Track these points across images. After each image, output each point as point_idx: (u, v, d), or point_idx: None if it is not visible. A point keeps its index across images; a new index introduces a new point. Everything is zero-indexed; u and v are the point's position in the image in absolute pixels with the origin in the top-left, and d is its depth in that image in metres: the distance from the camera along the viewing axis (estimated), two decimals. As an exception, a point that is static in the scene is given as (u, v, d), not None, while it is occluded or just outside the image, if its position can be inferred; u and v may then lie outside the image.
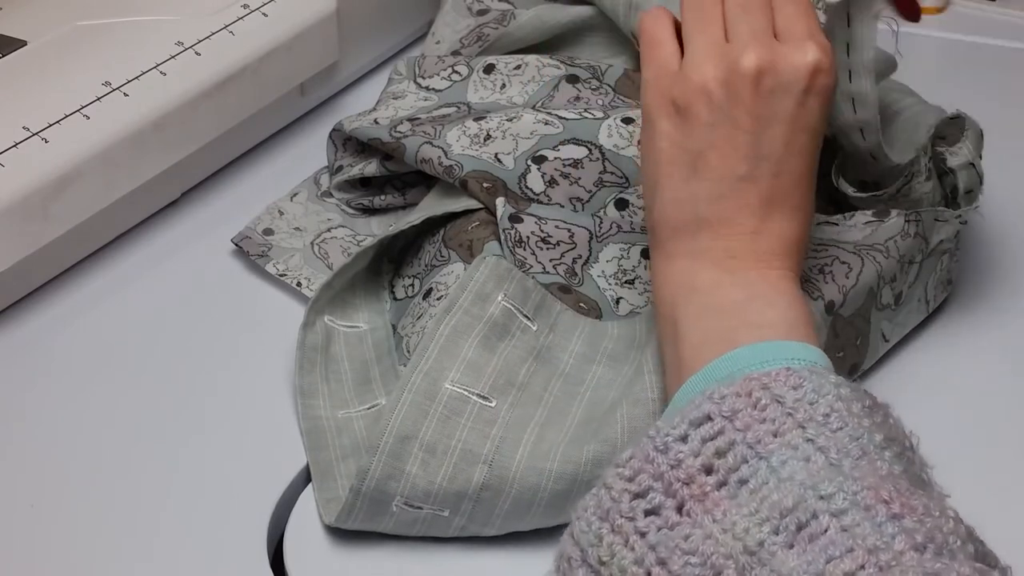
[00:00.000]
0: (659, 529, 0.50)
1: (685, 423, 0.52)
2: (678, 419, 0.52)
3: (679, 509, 0.50)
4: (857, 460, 0.49)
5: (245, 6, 0.84)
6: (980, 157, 0.73)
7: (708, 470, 0.50)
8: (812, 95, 0.61)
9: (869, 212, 0.71)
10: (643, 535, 0.50)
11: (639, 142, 0.65)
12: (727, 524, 0.48)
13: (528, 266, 0.70)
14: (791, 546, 0.47)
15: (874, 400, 0.53)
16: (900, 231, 0.70)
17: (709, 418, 0.52)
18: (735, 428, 0.51)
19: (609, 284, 0.70)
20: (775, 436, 0.51)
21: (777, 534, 0.47)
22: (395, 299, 0.75)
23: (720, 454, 0.51)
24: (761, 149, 0.61)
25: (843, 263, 0.69)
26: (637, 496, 0.51)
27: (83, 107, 0.76)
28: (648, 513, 0.50)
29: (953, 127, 0.74)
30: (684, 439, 0.51)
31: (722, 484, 0.50)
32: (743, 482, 0.50)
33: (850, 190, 0.72)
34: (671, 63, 0.63)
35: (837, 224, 0.71)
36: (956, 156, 0.73)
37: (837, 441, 0.50)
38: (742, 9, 0.62)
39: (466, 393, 0.64)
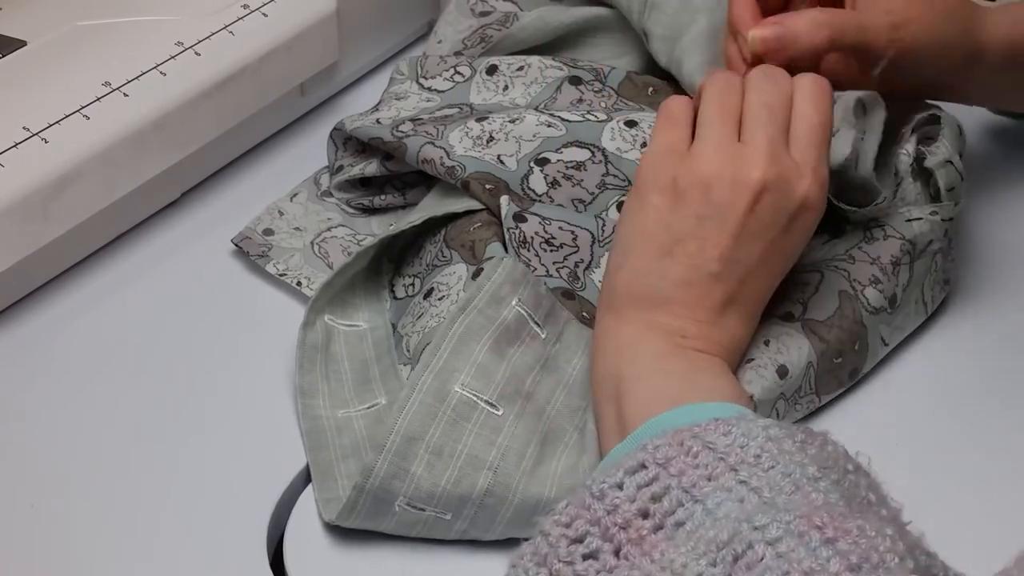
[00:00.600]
0: (597, 573, 0.50)
1: (620, 472, 0.52)
2: (613, 469, 0.53)
3: (616, 553, 0.51)
4: (791, 495, 0.50)
5: (245, 6, 0.84)
6: (960, 155, 0.74)
7: (644, 514, 0.51)
8: (797, 224, 0.64)
9: (824, 236, 0.72)
10: None
11: (625, 203, 0.67)
12: (665, 563, 0.49)
13: (532, 268, 0.70)
14: None
15: (808, 432, 0.54)
16: (861, 238, 0.72)
17: (644, 466, 0.52)
18: (669, 474, 0.52)
19: (610, 288, 0.70)
20: (709, 480, 0.51)
21: (715, 566, 0.47)
22: (395, 298, 0.75)
23: (656, 499, 0.51)
24: (738, 255, 0.63)
25: (797, 284, 0.70)
26: (575, 541, 0.51)
27: (83, 107, 0.75)
28: (586, 557, 0.51)
29: (931, 125, 0.74)
30: (620, 486, 0.52)
31: (659, 528, 0.51)
32: (679, 524, 0.50)
33: (849, 209, 0.72)
34: (682, 144, 0.65)
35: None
36: (934, 155, 0.73)
37: (770, 480, 0.51)
38: (765, 111, 0.64)
39: (475, 399, 0.64)
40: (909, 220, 0.72)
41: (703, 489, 0.51)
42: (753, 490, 0.51)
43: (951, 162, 0.73)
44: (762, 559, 0.47)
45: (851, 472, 0.53)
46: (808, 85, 0.65)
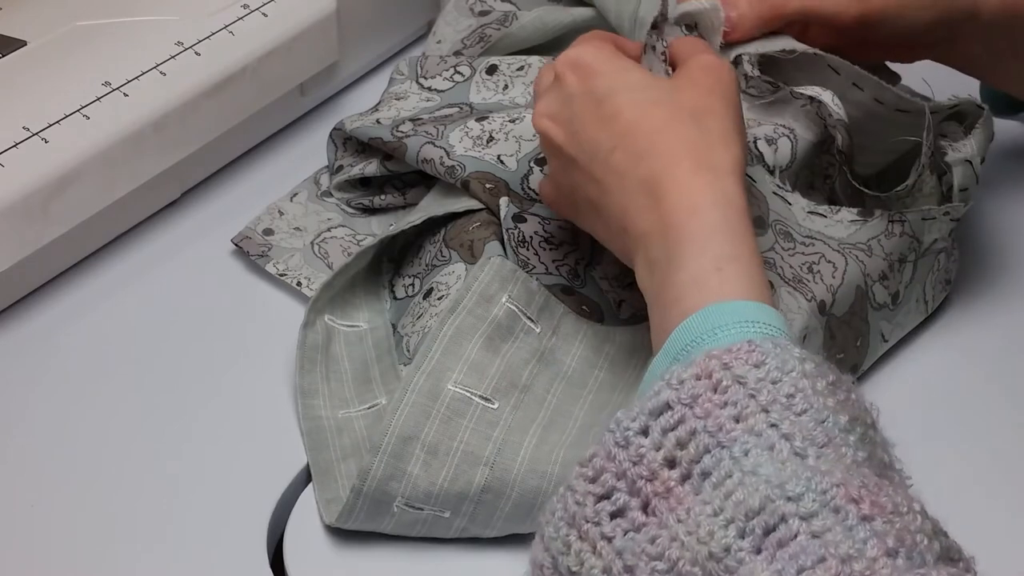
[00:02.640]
0: (625, 533, 0.49)
1: (645, 413, 0.51)
2: (637, 409, 0.51)
3: (644, 508, 0.49)
4: (822, 448, 0.49)
5: (245, 6, 0.84)
6: (982, 159, 0.73)
7: (671, 463, 0.49)
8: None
9: (855, 210, 0.71)
10: (610, 540, 0.49)
11: None
12: (691, 526, 0.47)
13: (531, 267, 0.70)
14: (758, 551, 0.46)
15: (837, 375, 0.52)
16: (883, 231, 0.71)
17: (668, 406, 0.50)
18: (695, 416, 0.50)
19: (611, 286, 0.70)
20: (738, 421, 0.49)
21: (743, 538, 0.46)
22: (395, 298, 0.75)
23: (681, 445, 0.49)
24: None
25: (829, 262, 0.69)
26: (602, 498, 0.50)
27: (83, 107, 0.75)
28: (614, 516, 0.50)
29: (961, 122, 0.73)
30: (645, 432, 0.50)
31: (685, 477, 0.49)
32: (706, 474, 0.49)
33: (869, 192, 0.72)
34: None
35: (825, 216, 0.71)
36: (957, 152, 0.72)
37: (802, 426, 0.49)
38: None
39: (469, 395, 0.64)
40: (926, 219, 0.72)
41: (731, 433, 0.49)
42: (784, 436, 0.49)
43: (970, 162, 0.72)
44: (796, 536, 0.46)
45: (870, 427, 0.51)
46: None
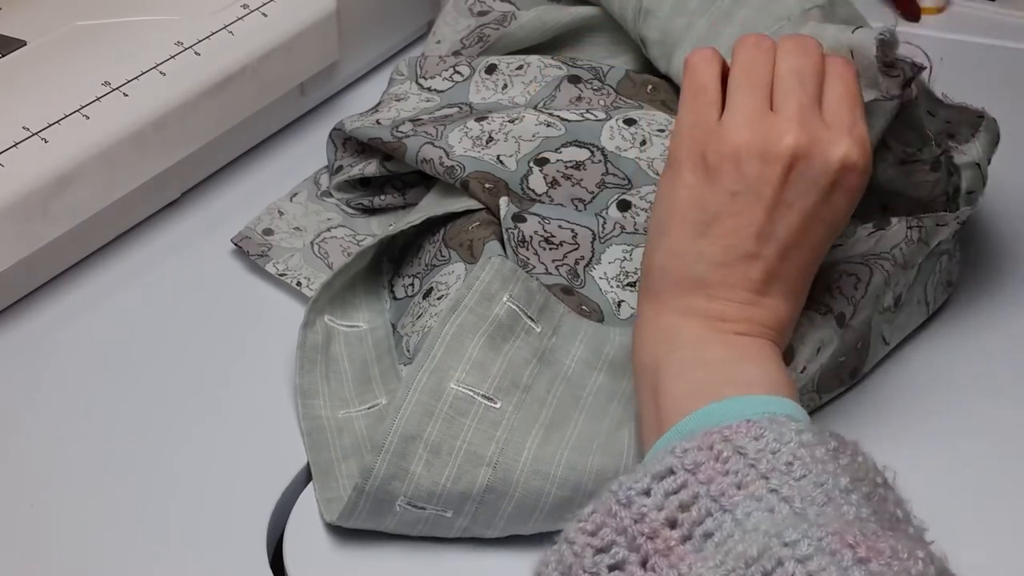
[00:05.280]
0: None
1: (648, 477, 0.51)
2: (641, 473, 0.51)
3: (643, 564, 0.49)
4: (822, 507, 0.49)
5: (245, 6, 0.84)
6: (988, 160, 0.73)
7: (672, 524, 0.50)
8: (839, 191, 0.61)
9: (869, 224, 0.70)
10: None
11: (659, 180, 0.65)
12: None
13: (531, 266, 0.70)
14: None
15: (840, 440, 0.53)
16: (904, 238, 0.70)
17: (672, 471, 0.51)
18: (698, 481, 0.50)
19: (611, 286, 0.70)
20: (739, 488, 0.50)
21: None
22: (395, 298, 0.75)
23: (684, 507, 0.50)
24: (776, 229, 0.60)
25: (850, 275, 0.68)
26: (600, 551, 0.50)
27: (83, 107, 0.76)
28: (612, 568, 0.50)
29: (968, 125, 0.73)
30: (647, 493, 0.50)
31: (687, 538, 0.49)
32: (708, 535, 0.49)
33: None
34: (711, 115, 0.62)
35: (841, 244, 0.70)
36: (964, 155, 0.72)
37: (801, 489, 0.50)
38: (796, 79, 0.61)
39: (472, 394, 0.64)
40: (940, 225, 0.72)
41: (732, 498, 0.50)
42: (784, 499, 0.49)
43: (979, 165, 0.72)
44: None
45: (880, 485, 0.51)
46: (838, 60, 0.63)
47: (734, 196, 0.60)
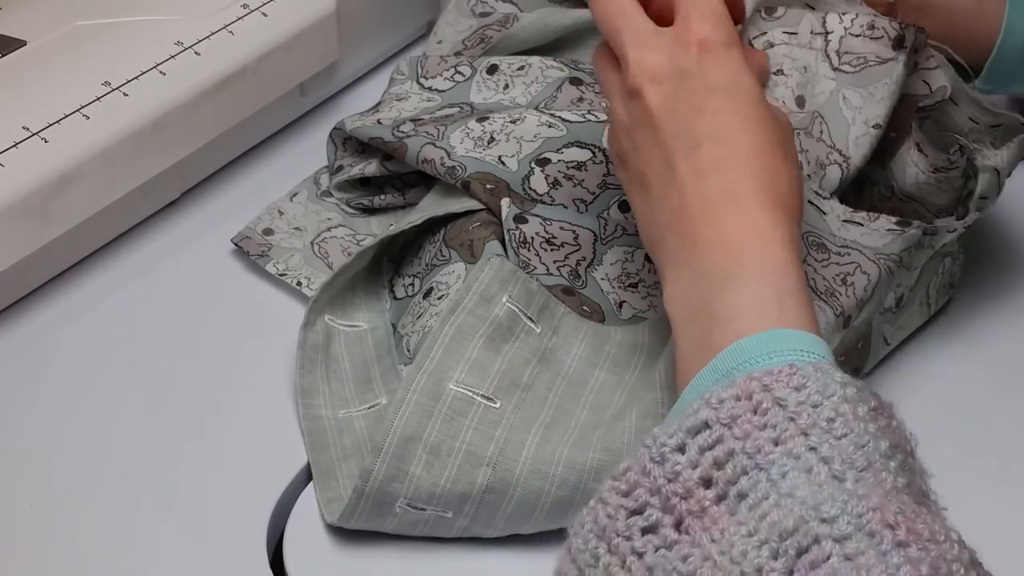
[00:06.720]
0: (657, 549, 0.48)
1: (682, 431, 0.50)
2: (675, 427, 0.50)
3: (677, 526, 0.48)
4: (861, 472, 0.48)
5: (245, 6, 0.84)
6: (1009, 173, 0.72)
7: (707, 483, 0.49)
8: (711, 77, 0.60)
9: (893, 219, 0.70)
10: (640, 556, 0.48)
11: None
12: (725, 546, 0.47)
13: (532, 267, 0.70)
14: (790, 572, 0.45)
15: (879, 401, 0.51)
16: (916, 242, 0.70)
17: (707, 425, 0.50)
18: (734, 436, 0.49)
19: (612, 287, 0.70)
20: (776, 444, 0.49)
21: (776, 558, 0.45)
22: (395, 298, 0.75)
23: (719, 465, 0.49)
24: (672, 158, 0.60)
25: (864, 273, 0.68)
26: (634, 513, 0.49)
27: (83, 107, 0.75)
28: (645, 531, 0.49)
29: (1001, 134, 0.72)
30: (681, 449, 0.49)
31: (721, 498, 0.48)
32: (742, 496, 0.48)
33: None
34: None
35: (861, 224, 0.70)
36: (988, 159, 0.71)
37: (841, 450, 0.48)
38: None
39: (471, 394, 0.64)
40: (950, 231, 0.72)
41: (769, 456, 0.48)
42: (823, 459, 0.48)
43: (998, 172, 0.72)
44: (828, 558, 0.45)
45: (909, 454, 0.51)
46: None
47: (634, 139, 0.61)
